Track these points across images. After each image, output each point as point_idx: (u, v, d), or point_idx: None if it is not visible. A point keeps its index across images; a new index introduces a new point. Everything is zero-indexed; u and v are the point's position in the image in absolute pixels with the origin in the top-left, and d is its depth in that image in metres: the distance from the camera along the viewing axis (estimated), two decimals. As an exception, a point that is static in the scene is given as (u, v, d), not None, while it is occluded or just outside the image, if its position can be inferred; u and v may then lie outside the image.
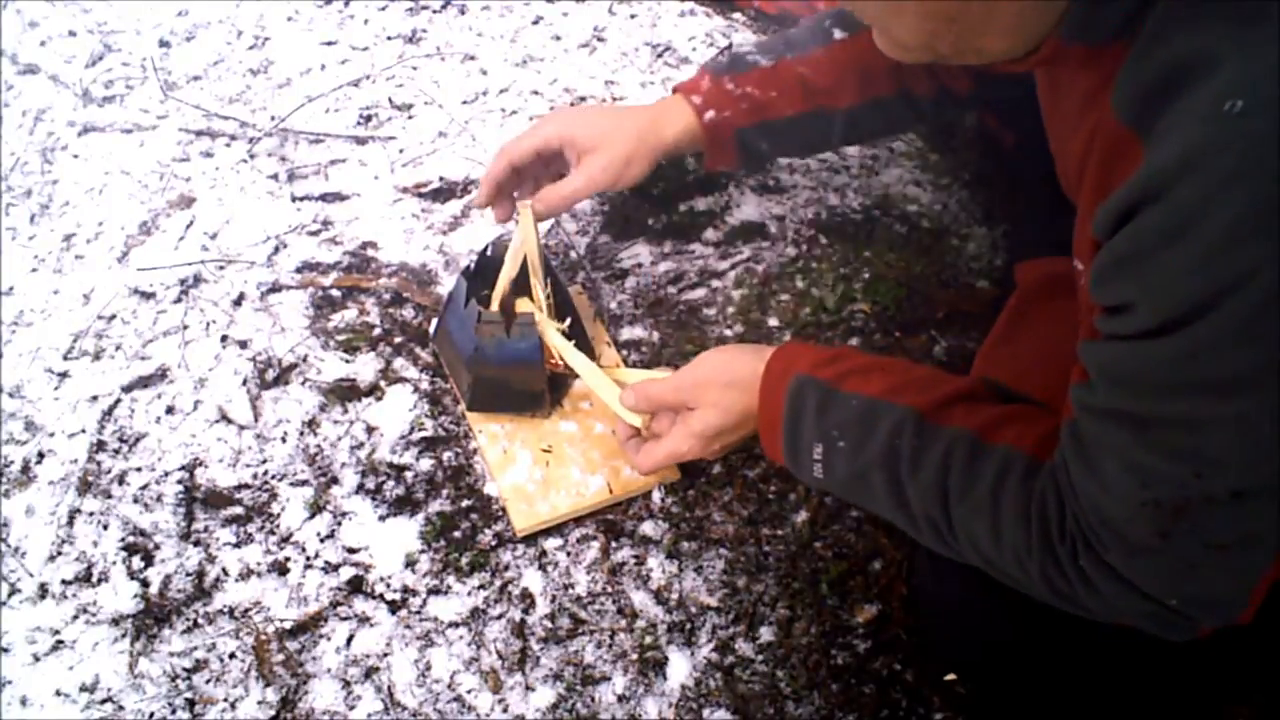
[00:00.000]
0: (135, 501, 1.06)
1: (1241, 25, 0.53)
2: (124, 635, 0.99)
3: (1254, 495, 0.60)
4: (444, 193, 1.31)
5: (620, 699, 0.97)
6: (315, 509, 1.06)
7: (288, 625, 0.99)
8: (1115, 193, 0.57)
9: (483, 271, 1.08)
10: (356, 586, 1.02)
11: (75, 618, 1.00)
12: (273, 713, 0.95)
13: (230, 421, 1.11)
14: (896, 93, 1.05)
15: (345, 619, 1.00)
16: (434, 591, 1.02)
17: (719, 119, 1.05)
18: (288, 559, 1.03)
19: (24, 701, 0.95)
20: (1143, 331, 0.57)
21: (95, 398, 1.13)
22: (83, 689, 0.96)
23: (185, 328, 1.18)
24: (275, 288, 1.22)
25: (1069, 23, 0.61)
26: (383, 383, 1.14)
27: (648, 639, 1.00)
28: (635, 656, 0.99)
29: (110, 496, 1.07)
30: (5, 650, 0.98)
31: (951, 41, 0.64)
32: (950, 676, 0.98)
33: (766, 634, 1.00)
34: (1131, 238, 0.56)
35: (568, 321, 1.07)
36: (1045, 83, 0.79)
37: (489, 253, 1.08)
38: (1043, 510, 0.70)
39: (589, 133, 1.03)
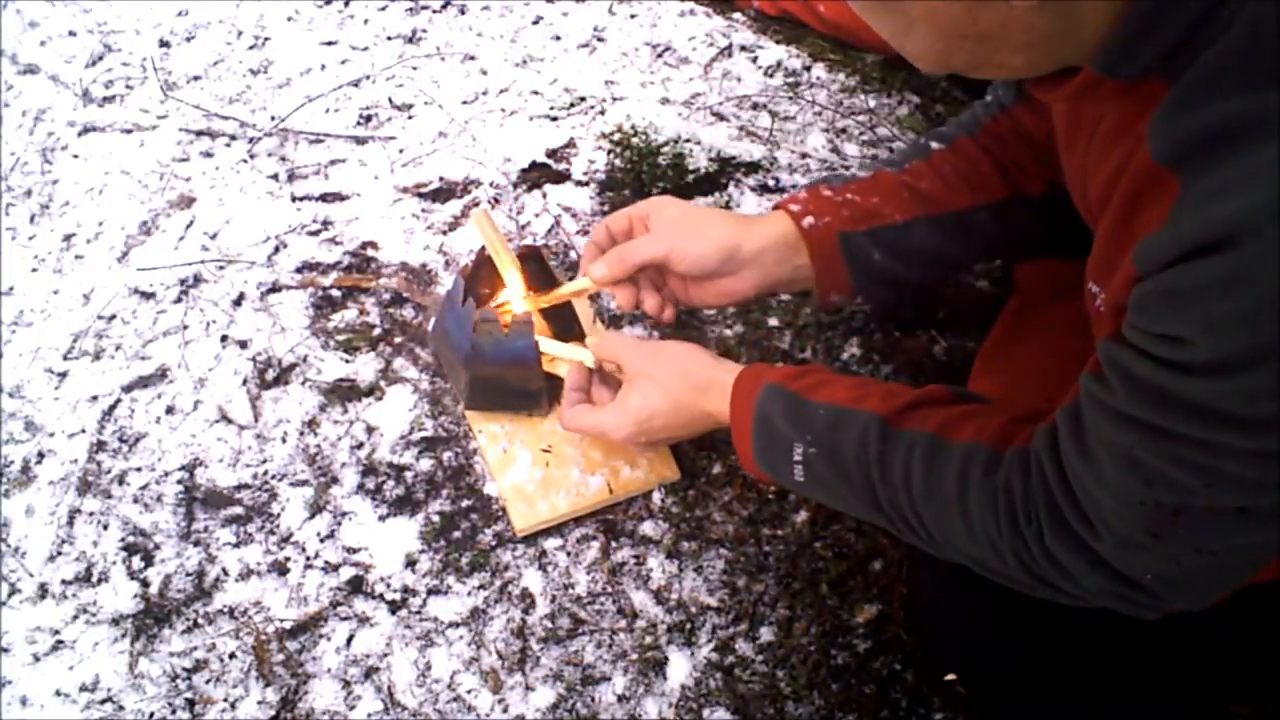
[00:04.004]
0: (135, 501, 1.06)
1: None
2: (124, 635, 0.99)
3: (1259, 513, 0.61)
4: (444, 193, 1.31)
5: (620, 699, 0.97)
6: (315, 509, 1.06)
7: (288, 625, 0.99)
8: (1163, 233, 0.57)
9: (480, 271, 1.08)
10: (356, 586, 1.02)
11: (75, 618, 1.00)
12: (273, 713, 0.95)
13: (230, 421, 1.11)
14: (1010, 196, 0.97)
15: (345, 619, 1.00)
16: (434, 591, 1.02)
17: (819, 224, 0.94)
18: (288, 559, 1.03)
19: (24, 701, 0.95)
20: (1188, 365, 0.58)
21: (95, 398, 1.13)
22: (83, 689, 0.96)
23: (185, 328, 1.18)
24: (275, 288, 1.22)
25: (1104, 58, 0.61)
26: (383, 383, 1.14)
27: (648, 639, 1.00)
28: (635, 656, 0.99)
29: (110, 496, 1.07)
30: (5, 650, 0.98)
31: (966, 57, 0.64)
32: (950, 676, 0.98)
33: (766, 634, 1.00)
34: (1187, 277, 0.56)
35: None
36: (1064, 108, 0.78)
37: (487, 252, 1.08)
38: (1009, 497, 0.71)
39: (674, 211, 0.96)
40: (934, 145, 0.98)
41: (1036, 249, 1.01)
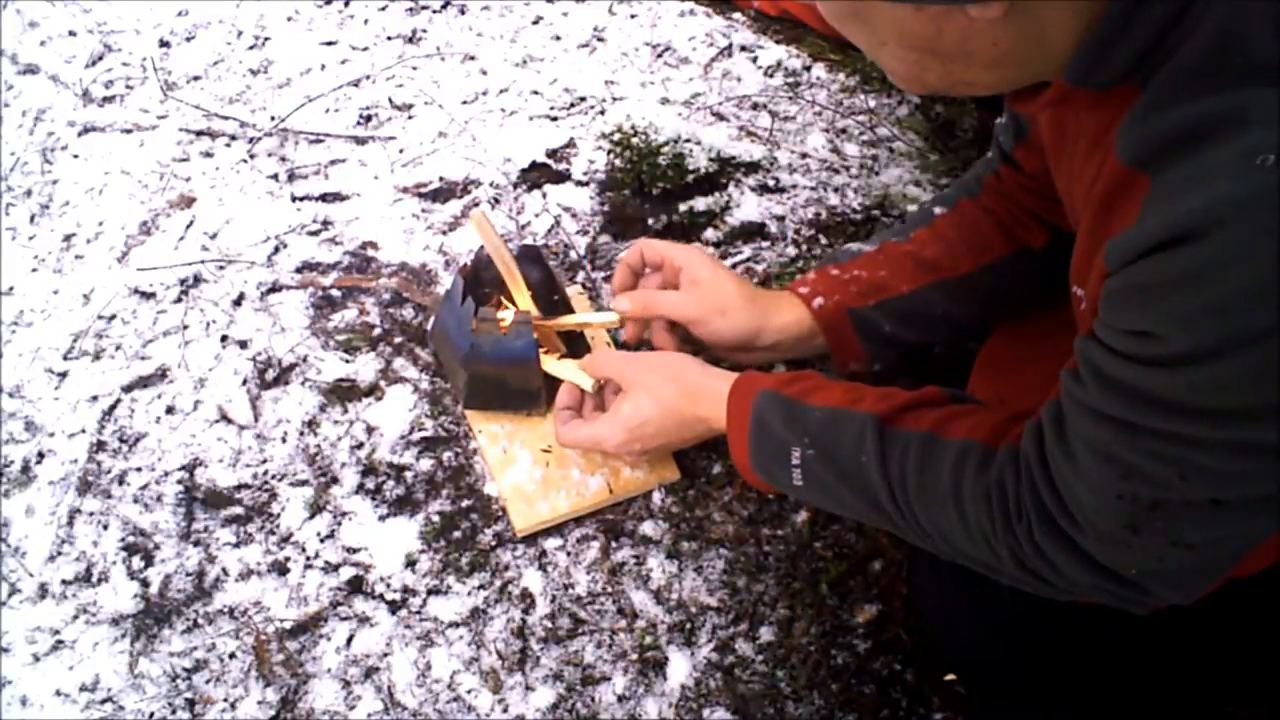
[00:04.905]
0: (135, 501, 1.06)
1: (1270, 86, 0.54)
2: (124, 635, 0.99)
3: (1233, 505, 0.61)
4: (444, 193, 1.31)
5: (620, 699, 0.97)
6: (315, 509, 1.06)
7: (288, 625, 1.00)
8: (1131, 230, 0.58)
9: (480, 270, 1.08)
10: (356, 586, 1.02)
11: (75, 618, 1.00)
12: (273, 713, 0.95)
13: (230, 421, 1.11)
14: (1014, 252, 0.98)
15: (345, 619, 1.00)
16: (434, 591, 1.02)
17: (829, 304, 0.99)
18: (288, 559, 1.03)
19: (24, 701, 0.95)
20: (1157, 358, 0.58)
21: (95, 398, 1.13)
22: (83, 689, 0.96)
23: (185, 328, 1.18)
24: (275, 288, 1.22)
25: (1074, 68, 0.62)
26: (383, 383, 1.14)
27: (648, 639, 1.00)
28: (635, 656, 0.99)
29: (110, 496, 1.07)
30: (5, 650, 0.98)
31: (938, 73, 0.65)
32: (950, 676, 0.98)
33: (766, 634, 1.00)
34: (1154, 272, 0.57)
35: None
36: (1049, 121, 0.79)
37: (485, 251, 1.08)
38: (1001, 491, 0.72)
39: (708, 276, 1.00)
40: (937, 210, 1.01)
41: (1047, 298, 1.01)
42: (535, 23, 1.52)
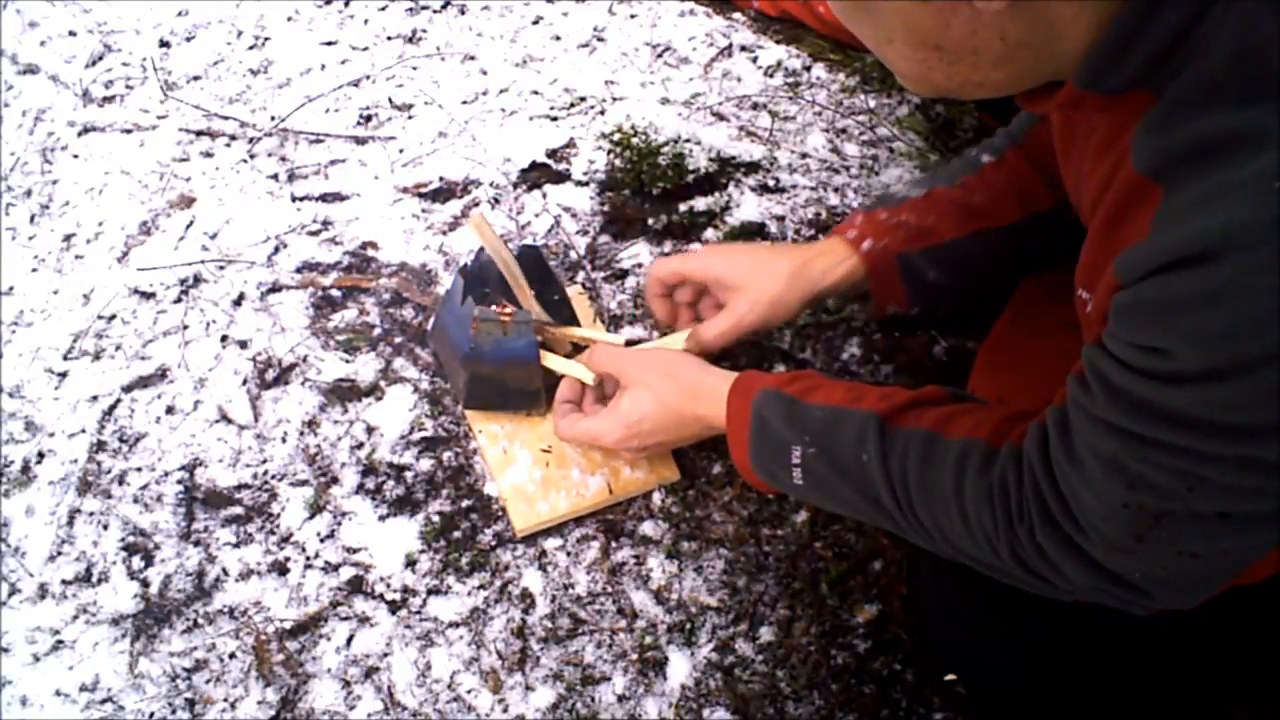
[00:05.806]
0: (135, 501, 1.06)
1: None
2: (124, 635, 0.99)
3: (1240, 519, 0.61)
4: (444, 193, 1.31)
5: (620, 699, 0.97)
6: (315, 509, 1.06)
7: (288, 625, 1.00)
8: (1144, 243, 0.58)
9: (480, 270, 1.08)
10: (356, 586, 1.02)
11: (75, 618, 1.00)
12: (273, 713, 0.95)
13: (230, 421, 1.11)
14: (1057, 206, 0.97)
15: (345, 619, 1.00)
16: (434, 591, 1.02)
17: (877, 247, 1.00)
18: (288, 559, 1.03)
19: (24, 701, 0.96)
20: (1168, 374, 0.58)
21: (95, 398, 1.13)
22: (83, 689, 0.96)
23: (185, 328, 1.18)
24: (275, 288, 1.22)
25: (1085, 72, 0.61)
26: (383, 383, 1.14)
27: (648, 639, 1.00)
28: (635, 656, 0.99)
29: (110, 496, 1.07)
30: (5, 650, 0.98)
31: (945, 72, 0.64)
32: (950, 676, 0.98)
33: (766, 634, 1.00)
34: (1167, 290, 0.57)
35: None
36: (1058, 120, 0.79)
37: (485, 252, 1.08)
38: (1004, 491, 0.72)
39: (735, 273, 1.01)
40: (985, 159, 1.01)
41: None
42: (535, 23, 1.51)
